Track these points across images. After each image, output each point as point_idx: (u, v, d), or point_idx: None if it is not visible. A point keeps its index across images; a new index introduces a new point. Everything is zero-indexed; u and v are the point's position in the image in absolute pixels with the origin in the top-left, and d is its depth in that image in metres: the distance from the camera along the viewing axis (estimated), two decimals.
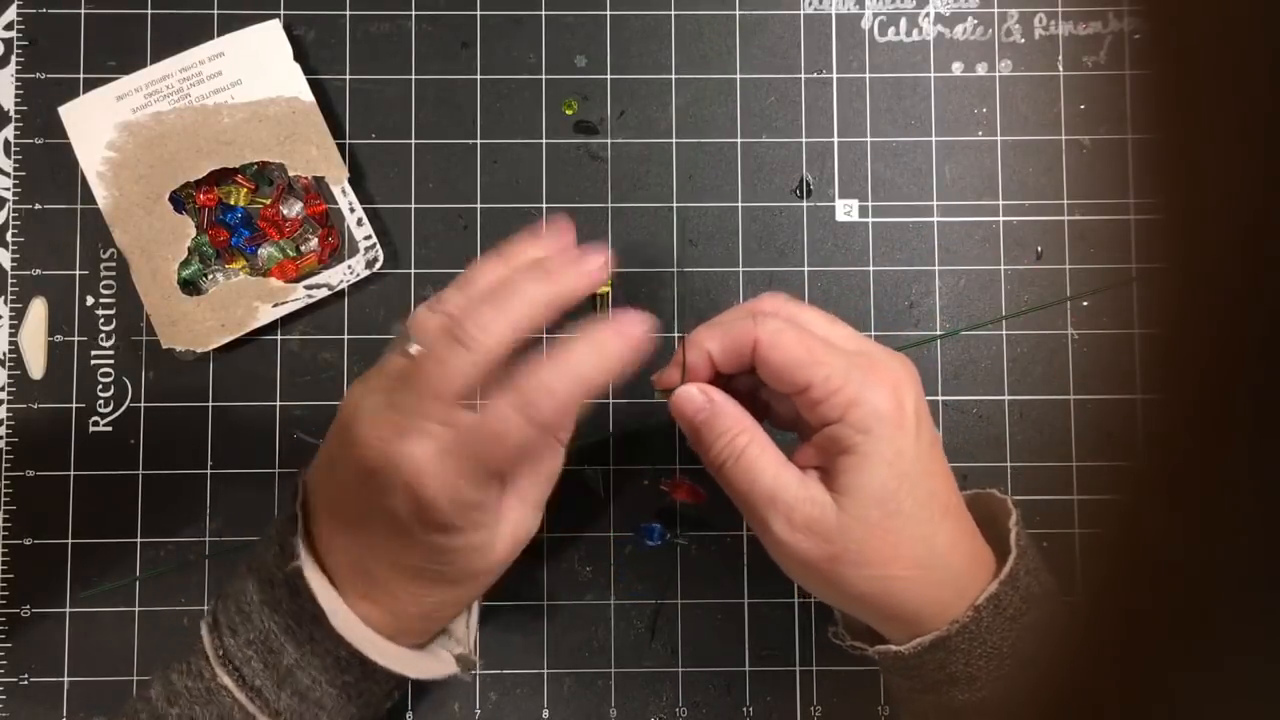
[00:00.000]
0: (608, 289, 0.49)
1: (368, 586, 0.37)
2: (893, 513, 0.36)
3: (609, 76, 0.50)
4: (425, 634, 0.40)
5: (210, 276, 0.49)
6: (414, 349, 0.35)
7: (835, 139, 0.50)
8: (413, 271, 0.49)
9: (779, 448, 0.38)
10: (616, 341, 0.36)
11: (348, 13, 0.50)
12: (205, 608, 0.48)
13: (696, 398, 0.39)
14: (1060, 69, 0.50)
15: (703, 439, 0.38)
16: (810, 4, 0.51)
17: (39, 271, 0.49)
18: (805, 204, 0.50)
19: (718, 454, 0.38)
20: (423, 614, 0.38)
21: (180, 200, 0.49)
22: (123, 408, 0.48)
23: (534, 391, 0.34)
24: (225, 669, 0.37)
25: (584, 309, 0.49)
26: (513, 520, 0.38)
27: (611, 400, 0.49)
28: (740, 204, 0.50)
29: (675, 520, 0.49)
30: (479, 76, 0.50)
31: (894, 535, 0.36)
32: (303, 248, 0.49)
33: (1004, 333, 0.49)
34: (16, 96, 0.49)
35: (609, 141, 0.50)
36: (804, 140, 0.50)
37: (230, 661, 0.37)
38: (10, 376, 0.48)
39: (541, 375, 0.35)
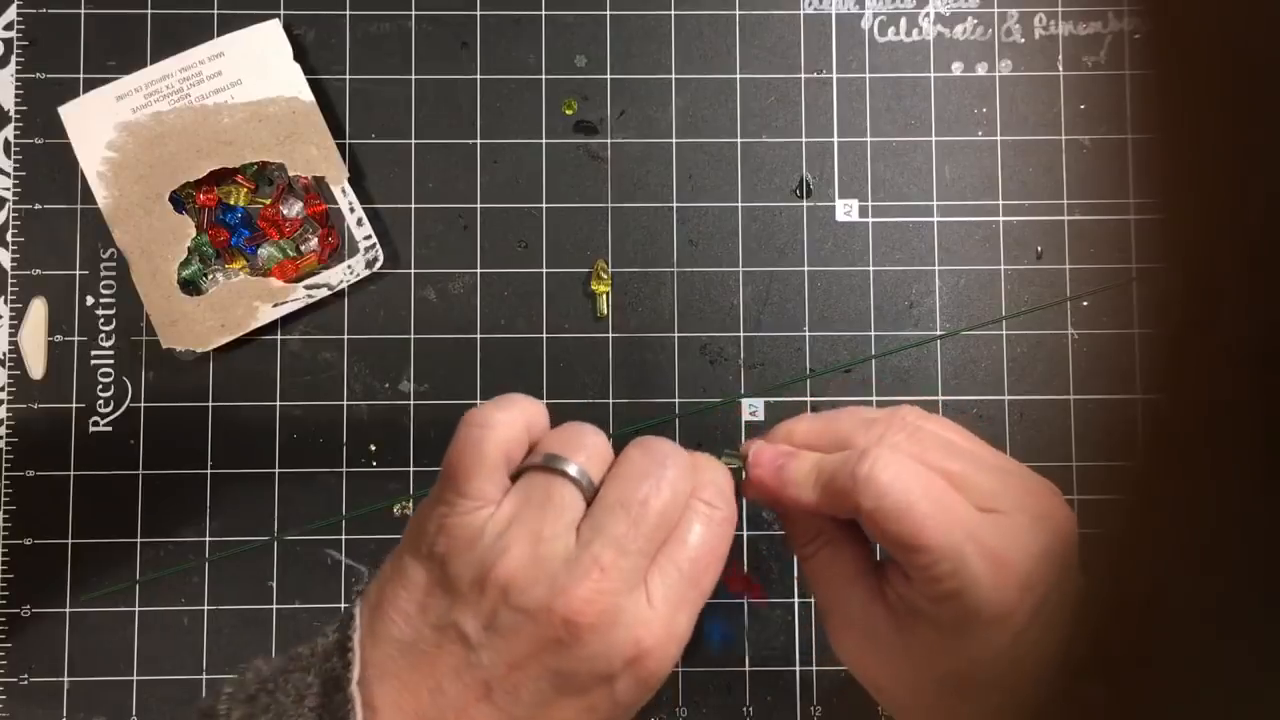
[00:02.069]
0: (608, 289, 0.49)
1: None
2: (951, 709, 0.31)
3: (609, 76, 0.50)
4: None
5: (210, 276, 0.49)
6: (575, 469, 0.31)
7: (835, 139, 0.50)
8: (413, 271, 0.49)
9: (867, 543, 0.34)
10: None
11: (348, 13, 0.50)
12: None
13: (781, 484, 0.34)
14: (1060, 69, 0.50)
15: (786, 531, 0.36)
16: (810, 4, 0.51)
17: (39, 271, 0.49)
18: (805, 204, 0.50)
19: (795, 551, 0.36)
20: None
21: (180, 200, 0.49)
22: (123, 408, 0.48)
23: (712, 491, 0.32)
24: None
25: (585, 311, 0.49)
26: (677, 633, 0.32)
27: (612, 401, 0.49)
28: (740, 204, 0.50)
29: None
30: (479, 76, 0.50)
31: (941, 716, 0.32)
32: (303, 248, 0.49)
33: (1004, 333, 0.49)
34: (16, 96, 0.49)
35: (609, 141, 0.50)
36: (804, 140, 0.50)
37: None
38: (10, 376, 0.48)
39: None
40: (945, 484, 0.31)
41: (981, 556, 0.29)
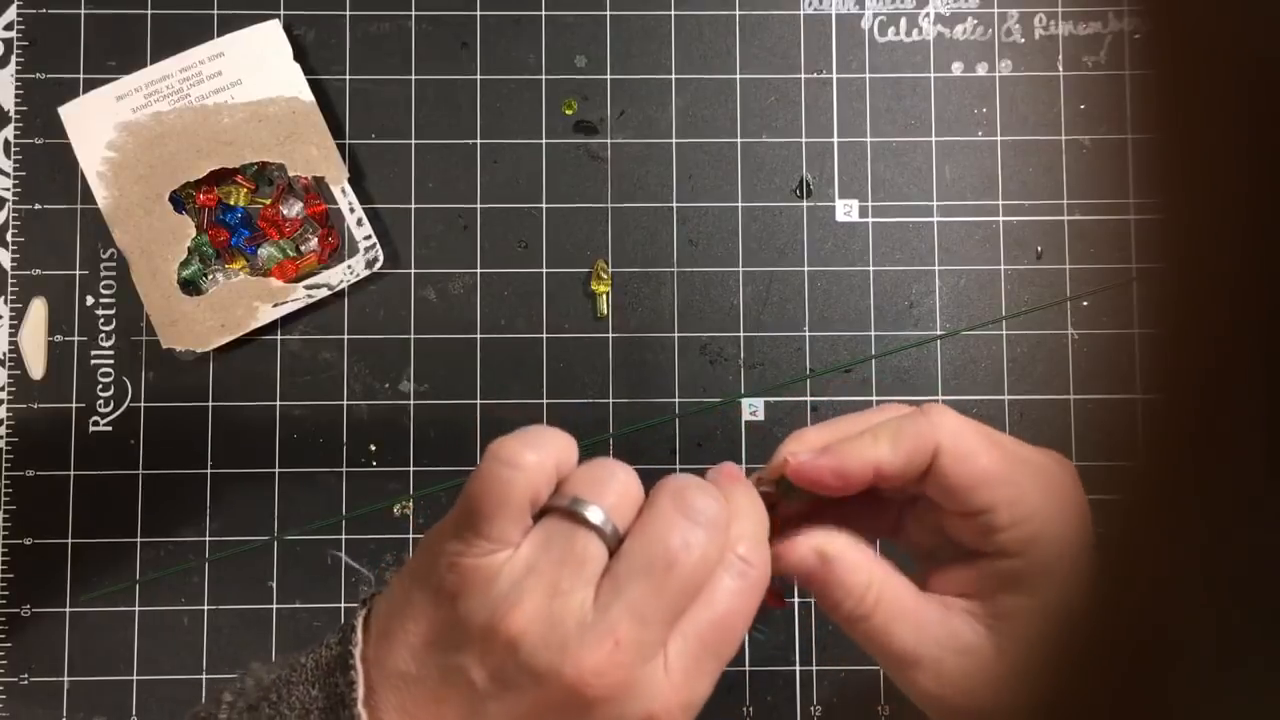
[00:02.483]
0: (608, 289, 0.49)
1: None
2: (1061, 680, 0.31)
3: (609, 76, 0.50)
4: None
5: (210, 276, 0.49)
6: (599, 519, 0.29)
7: (835, 139, 0.50)
8: (413, 271, 0.49)
9: (906, 571, 0.32)
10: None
11: (348, 13, 0.50)
12: (202, 607, 0.48)
13: (808, 559, 0.32)
14: (1060, 69, 0.50)
15: (825, 600, 0.32)
16: (810, 4, 0.51)
17: (39, 271, 0.49)
18: (805, 204, 0.50)
19: (847, 615, 0.32)
20: None
21: (180, 200, 0.49)
22: (123, 408, 0.48)
23: (751, 551, 0.29)
24: None
25: (585, 311, 0.49)
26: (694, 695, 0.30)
27: (612, 401, 0.49)
28: (740, 204, 0.50)
29: None
30: (479, 76, 0.50)
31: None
32: (303, 248, 0.49)
33: (1004, 333, 0.49)
34: (16, 96, 0.49)
35: (609, 141, 0.50)
36: (804, 140, 0.50)
37: None
38: (10, 376, 0.48)
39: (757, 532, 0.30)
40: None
41: (1043, 492, 0.30)
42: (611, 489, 0.29)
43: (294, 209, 0.49)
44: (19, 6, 0.50)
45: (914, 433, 0.31)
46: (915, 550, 0.35)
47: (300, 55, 0.49)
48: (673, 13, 0.50)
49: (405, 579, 0.30)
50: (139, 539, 0.48)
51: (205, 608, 0.48)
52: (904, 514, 0.34)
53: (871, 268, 0.50)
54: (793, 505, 0.33)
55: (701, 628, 0.28)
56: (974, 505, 0.30)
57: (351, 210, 0.49)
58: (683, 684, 0.28)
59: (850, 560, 0.31)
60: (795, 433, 0.33)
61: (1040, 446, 0.32)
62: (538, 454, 0.29)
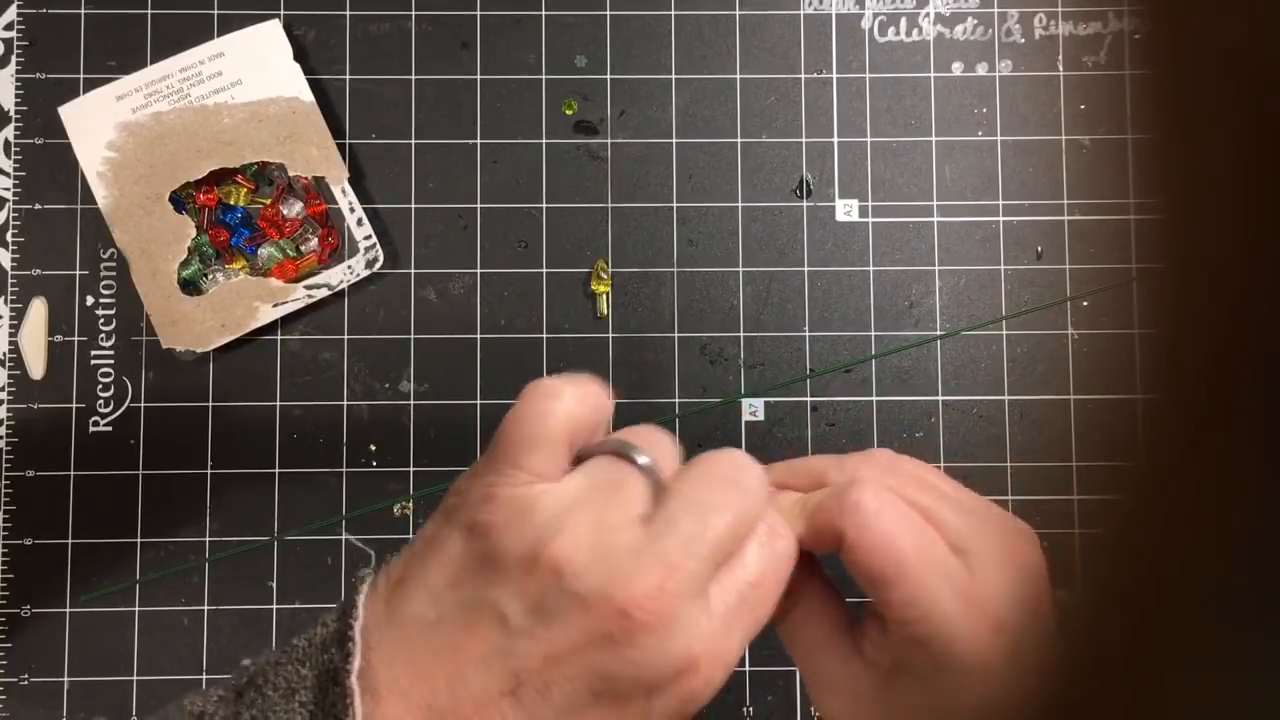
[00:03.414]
0: (608, 289, 0.49)
1: None
2: None
3: (609, 76, 0.50)
4: None
5: (210, 276, 0.49)
6: (645, 460, 0.28)
7: (835, 139, 0.50)
8: (413, 271, 0.49)
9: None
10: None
11: (348, 13, 0.50)
12: (203, 607, 0.48)
13: None
14: (1060, 69, 0.50)
15: None
16: (810, 4, 0.51)
17: (39, 271, 0.49)
18: (805, 204, 0.50)
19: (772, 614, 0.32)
20: None
21: (180, 200, 0.49)
22: (123, 408, 0.48)
23: (775, 522, 0.29)
24: None
25: (585, 311, 0.49)
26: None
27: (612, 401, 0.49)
28: (740, 204, 0.50)
29: None
30: (479, 76, 0.50)
31: None
32: (303, 248, 0.49)
33: (1004, 333, 0.49)
34: (16, 96, 0.49)
35: (609, 141, 0.50)
36: (804, 140, 0.50)
37: None
38: (10, 376, 0.48)
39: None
40: (923, 521, 0.30)
41: (954, 597, 0.29)
42: (655, 444, 0.29)
43: (294, 209, 0.49)
44: (19, 6, 0.50)
45: (824, 515, 0.30)
46: None
47: (300, 55, 0.49)
48: (673, 13, 0.50)
49: (428, 527, 0.29)
50: (139, 539, 0.48)
51: (205, 608, 0.48)
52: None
53: (871, 268, 0.50)
54: None
55: (739, 582, 0.28)
56: (870, 590, 0.30)
57: (351, 210, 0.49)
58: (723, 631, 0.27)
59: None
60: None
61: (1007, 517, 0.32)
62: (579, 390, 0.29)
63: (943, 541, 0.30)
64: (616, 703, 0.26)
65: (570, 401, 0.29)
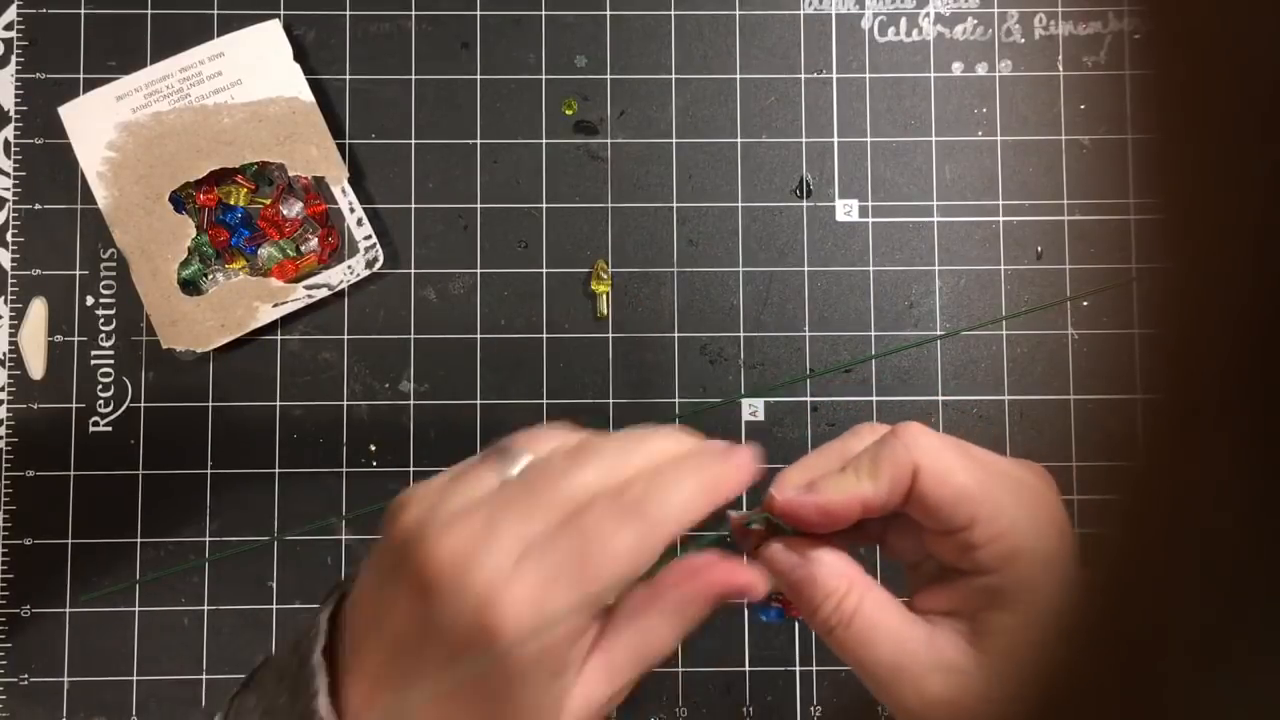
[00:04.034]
0: (608, 289, 0.49)
1: None
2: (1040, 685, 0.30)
3: (609, 76, 0.50)
4: None
5: (210, 276, 0.49)
6: (518, 468, 0.30)
7: (835, 139, 0.50)
8: (413, 271, 0.49)
9: (893, 590, 0.32)
10: (733, 475, 0.30)
11: (348, 13, 0.50)
12: (202, 607, 0.48)
13: (785, 555, 0.32)
14: (1060, 69, 0.50)
15: (803, 600, 0.31)
16: (810, 4, 0.51)
17: (39, 271, 0.49)
18: (805, 204, 0.50)
19: (824, 619, 0.31)
20: None
21: (180, 200, 0.49)
22: (123, 408, 0.48)
23: (649, 499, 0.28)
24: None
25: (585, 311, 0.49)
26: (588, 687, 0.29)
27: (612, 401, 0.49)
28: (740, 204, 0.50)
29: None
30: (479, 76, 0.50)
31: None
32: (303, 248, 0.49)
33: (1004, 333, 0.49)
34: (16, 96, 0.49)
35: (609, 141, 0.50)
36: (804, 140, 0.50)
37: None
38: (10, 376, 0.48)
39: (662, 491, 0.29)
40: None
41: (1023, 504, 0.30)
42: (546, 442, 0.30)
43: (294, 209, 0.49)
44: (19, 6, 0.50)
45: (891, 459, 0.30)
46: (899, 561, 0.34)
47: (300, 55, 0.49)
48: (673, 13, 0.50)
49: None
50: (139, 539, 0.48)
51: (205, 608, 0.48)
52: (886, 528, 0.34)
53: (871, 268, 0.50)
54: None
55: (562, 544, 0.28)
56: (953, 523, 0.30)
57: (351, 210, 0.49)
58: (529, 584, 0.27)
59: (830, 562, 0.31)
60: (777, 477, 0.32)
61: (1018, 459, 0.32)
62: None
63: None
64: (443, 663, 0.27)
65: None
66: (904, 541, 0.33)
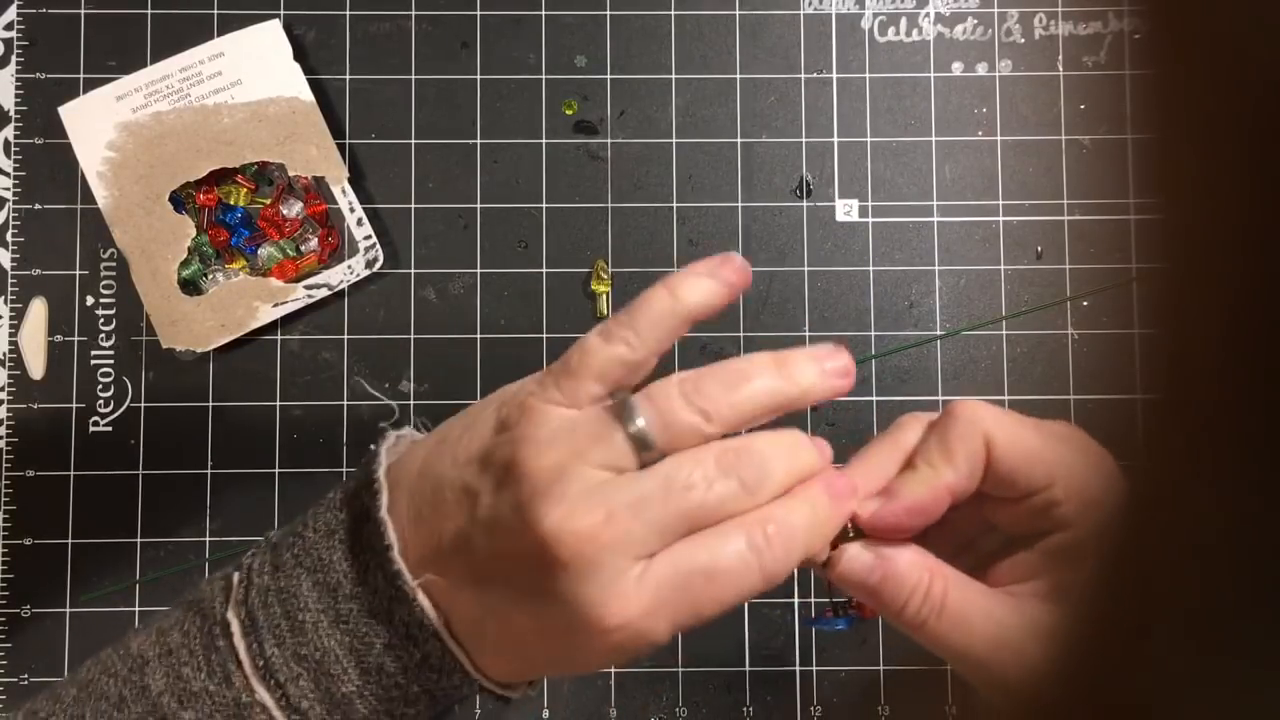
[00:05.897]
0: (608, 289, 0.49)
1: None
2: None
3: (609, 76, 0.50)
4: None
5: (210, 276, 0.49)
6: (637, 426, 0.29)
7: (835, 139, 0.50)
8: (413, 271, 0.49)
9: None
10: (839, 505, 0.29)
11: (348, 13, 0.50)
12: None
13: (862, 557, 0.31)
14: (1060, 69, 0.50)
15: (887, 601, 0.30)
16: (810, 4, 0.51)
17: (39, 271, 0.49)
18: (805, 204, 0.50)
19: (914, 614, 0.30)
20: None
21: (180, 200, 0.49)
22: (123, 408, 0.48)
23: (779, 537, 0.28)
24: (264, 683, 0.30)
25: (585, 311, 0.49)
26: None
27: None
28: (740, 204, 0.50)
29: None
30: (479, 76, 0.50)
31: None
32: (303, 248, 0.49)
33: (1004, 333, 0.49)
34: (16, 96, 0.49)
35: (609, 141, 0.50)
36: (804, 140, 0.50)
37: (272, 676, 0.30)
38: (10, 376, 0.48)
39: (789, 517, 0.28)
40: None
41: (1085, 456, 0.30)
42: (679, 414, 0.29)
43: (294, 209, 0.49)
44: (19, 6, 0.50)
45: (961, 439, 0.30)
46: (955, 542, 0.34)
47: (300, 55, 0.49)
48: (673, 13, 0.50)
49: (481, 405, 0.31)
50: (139, 539, 0.48)
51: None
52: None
53: (871, 268, 0.50)
54: None
55: (689, 566, 0.28)
56: (1033, 485, 0.30)
57: (351, 210, 0.49)
58: (647, 602, 0.27)
59: (908, 556, 0.30)
60: (834, 487, 0.31)
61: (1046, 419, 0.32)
62: (632, 340, 0.30)
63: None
64: (536, 621, 0.28)
65: (619, 351, 0.30)
66: (963, 519, 0.32)
